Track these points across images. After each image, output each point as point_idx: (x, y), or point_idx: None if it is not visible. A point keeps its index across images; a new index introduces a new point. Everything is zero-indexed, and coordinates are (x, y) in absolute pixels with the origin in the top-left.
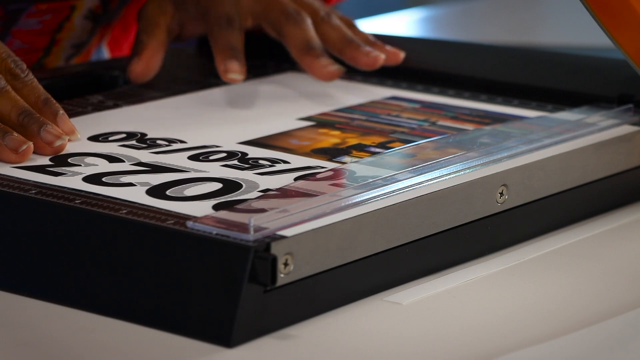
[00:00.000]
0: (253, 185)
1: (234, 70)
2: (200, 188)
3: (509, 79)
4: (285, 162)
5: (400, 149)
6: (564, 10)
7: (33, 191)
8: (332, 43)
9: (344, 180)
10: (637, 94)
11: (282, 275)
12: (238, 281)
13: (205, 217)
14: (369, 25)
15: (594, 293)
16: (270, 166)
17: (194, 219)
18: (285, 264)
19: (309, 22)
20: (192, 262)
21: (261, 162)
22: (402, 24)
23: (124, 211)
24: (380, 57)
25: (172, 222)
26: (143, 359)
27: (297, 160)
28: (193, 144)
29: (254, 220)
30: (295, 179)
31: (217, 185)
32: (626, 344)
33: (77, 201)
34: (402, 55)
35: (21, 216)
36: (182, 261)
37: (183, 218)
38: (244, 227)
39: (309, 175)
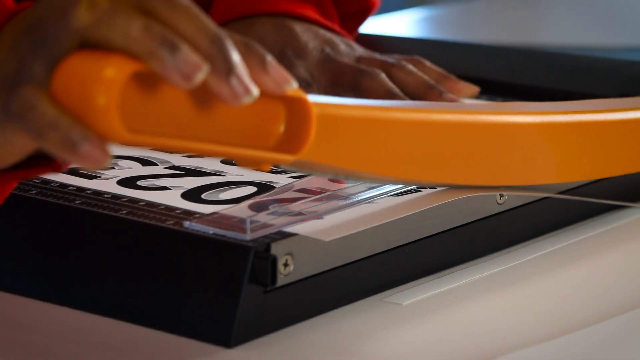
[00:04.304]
0: (288, 188)
1: None
2: (236, 191)
3: (509, 79)
4: None
5: None
6: (564, 10)
7: (33, 191)
8: (411, 89)
9: (343, 180)
10: (637, 94)
11: (282, 276)
12: (238, 281)
13: (202, 216)
14: (369, 25)
15: (594, 293)
16: None
17: (191, 218)
18: (286, 265)
19: (383, 75)
20: (192, 262)
21: None
22: (402, 24)
23: (124, 211)
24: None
25: (171, 222)
26: (143, 359)
27: None
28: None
29: (250, 220)
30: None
31: (252, 189)
32: (626, 344)
33: (77, 201)
34: (477, 89)
35: (21, 216)
36: (182, 261)
37: (183, 218)
38: (240, 227)
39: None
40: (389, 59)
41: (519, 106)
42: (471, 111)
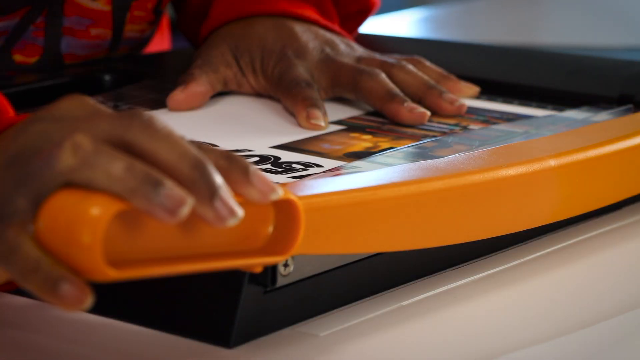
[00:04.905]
0: None
1: (317, 116)
2: None
3: (509, 79)
4: (318, 165)
5: (401, 148)
6: (564, 10)
7: None
8: (411, 89)
9: None
10: (637, 94)
11: (282, 276)
12: (238, 281)
13: None
14: (369, 25)
15: (594, 293)
16: (304, 170)
17: None
18: (286, 265)
19: (383, 74)
20: None
21: (294, 165)
22: (402, 24)
23: None
24: (464, 105)
25: None
26: (143, 359)
27: (330, 164)
28: (225, 148)
29: None
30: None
31: None
32: (626, 344)
33: None
34: (477, 89)
35: None
36: None
37: None
38: None
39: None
40: (389, 59)
41: (505, 154)
42: (455, 174)
